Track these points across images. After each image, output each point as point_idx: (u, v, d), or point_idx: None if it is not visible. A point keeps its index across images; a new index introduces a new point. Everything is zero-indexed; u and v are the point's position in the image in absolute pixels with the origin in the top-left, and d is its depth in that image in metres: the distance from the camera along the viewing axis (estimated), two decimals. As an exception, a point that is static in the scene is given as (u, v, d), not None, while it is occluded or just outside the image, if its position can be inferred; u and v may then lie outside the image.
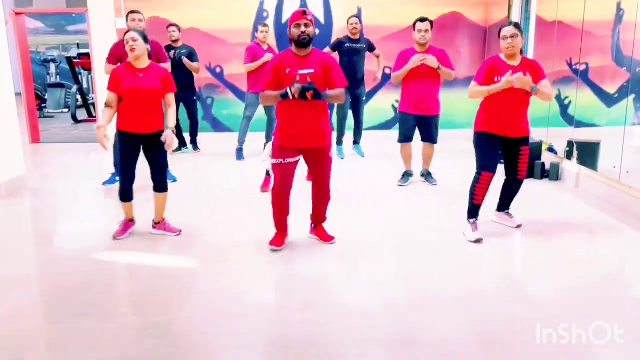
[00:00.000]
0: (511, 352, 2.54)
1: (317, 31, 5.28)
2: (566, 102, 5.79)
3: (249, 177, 5.82)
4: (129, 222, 4.12)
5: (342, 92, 3.57)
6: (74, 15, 13.45)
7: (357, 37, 6.49)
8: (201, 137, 7.67)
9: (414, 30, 5.21)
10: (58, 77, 14.30)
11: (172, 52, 6.77)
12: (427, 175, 5.60)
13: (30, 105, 8.48)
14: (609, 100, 5.05)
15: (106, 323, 2.81)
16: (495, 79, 3.77)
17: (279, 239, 3.79)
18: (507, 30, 3.78)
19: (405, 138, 5.44)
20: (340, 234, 3.97)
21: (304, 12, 3.47)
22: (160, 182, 4.01)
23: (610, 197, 4.80)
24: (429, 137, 5.40)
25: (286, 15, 8.00)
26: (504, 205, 4.22)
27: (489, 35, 8.07)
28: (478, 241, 3.86)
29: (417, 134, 5.46)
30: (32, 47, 12.06)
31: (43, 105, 12.43)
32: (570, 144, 5.54)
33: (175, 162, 6.23)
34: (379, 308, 2.95)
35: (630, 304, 3.01)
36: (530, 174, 5.70)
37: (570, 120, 5.69)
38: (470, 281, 3.28)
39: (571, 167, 5.52)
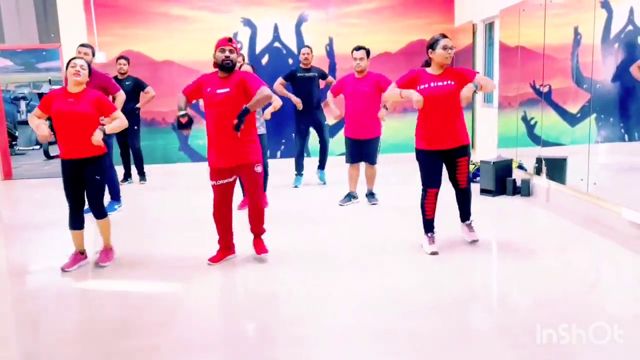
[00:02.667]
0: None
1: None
2: (532, 122, 6.04)
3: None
4: (79, 255, 4.07)
5: (262, 91, 3.70)
6: (44, 52, 13.42)
7: (309, 66, 6.66)
8: (178, 167, 7.69)
9: (352, 57, 5.52)
10: (28, 114, 14.15)
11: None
12: (369, 196, 5.80)
13: (2, 142, 8.39)
14: (571, 119, 5.29)
15: (93, 347, 2.79)
16: (418, 88, 3.92)
17: (218, 255, 3.98)
18: (448, 41, 3.94)
19: (352, 159, 5.69)
20: (310, 249, 4.08)
21: (230, 40, 3.80)
22: (96, 208, 4.00)
23: (580, 209, 5.01)
24: (369, 159, 5.65)
25: (260, 46, 8.20)
26: (462, 216, 4.33)
27: (456, 60, 8.38)
28: (434, 253, 4.00)
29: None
30: (1, 86, 11.96)
31: (14, 142, 12.24)
32: (539, 160, 5.77)
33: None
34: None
35: (612, 306, 3.13)
36: (503, 191, 5.90)
37: (536, 140, 5.92)
38: (450, 291, 3.37)
39: (541, 183, 5.73)
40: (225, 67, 3.72)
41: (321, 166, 6.91)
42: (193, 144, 8.33)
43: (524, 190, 5.85)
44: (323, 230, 4.87)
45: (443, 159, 4.08)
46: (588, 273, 3.73)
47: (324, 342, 2.79)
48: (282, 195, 6.30)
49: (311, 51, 6.67)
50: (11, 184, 8.12)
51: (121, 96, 5.36)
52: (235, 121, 3.56)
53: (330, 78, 6.87)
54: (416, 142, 4.12)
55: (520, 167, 6.17)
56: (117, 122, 3.96)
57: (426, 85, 3.92)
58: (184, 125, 3.75)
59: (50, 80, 13.79)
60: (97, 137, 3.76)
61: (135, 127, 7.16)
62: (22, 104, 14.28)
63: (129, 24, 8.00)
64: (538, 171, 5.78)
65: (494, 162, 5.96)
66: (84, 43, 5.55)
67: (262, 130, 5.42)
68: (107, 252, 4.13)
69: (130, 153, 7.32)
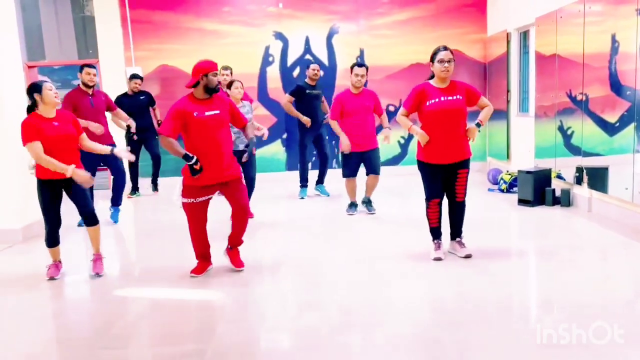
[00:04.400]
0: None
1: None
2: (569, 132, 5.93)
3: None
4: (58, 264, 4.16)
5: (251, 124, 4.20)
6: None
7: (315, 83, 6.67)
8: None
9: (351, 73, 5.60)
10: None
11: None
12: (367, 203, 5.85)
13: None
14: (610, 129, 5.18)
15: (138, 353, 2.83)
16: (427, 103, 3.93)
17: (200, 267, 4.01)
18: (445, 55, 3.92)
19: (349, 173, 5.70)
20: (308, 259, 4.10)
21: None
22: (89, 214, 4.06)
23: (624, 218, 4.88)
24: (373, 169, 5.69)
25: (291, 59, 8.28)
26: (454, 233, 4.23)
27: (489, 70, 8.33)
28: (437, 259, 4.04)
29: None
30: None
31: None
32: (579, 169, 5.65)
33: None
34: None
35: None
36: (542, 201, 5.79)
37: (574, 150, 5.81)
38: (483, 300, 3.31)
39: (582, 192, 5.61)
40: (216, 90, 3.83)
41: (320, 181, 6.96)
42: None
43: (564, 200, 5.73)
44: (342, 238, 4.90)
45: (444, 170, 4.07)
46: (631, 282, 3.62)
47: (367, 350, 2.78)
48: (291, 206, 6.45)
49: (320, 68, 6.79)
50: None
51: (121, 113, 5.98)
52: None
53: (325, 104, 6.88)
54: (419, 153, 4.11)
55: (559, 177, 6.06)
56: (92, 144, 4.16)
57: (436, 100, 3.94)
58: (198, 171, 3.72)
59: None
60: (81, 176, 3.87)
61: (156, 137, 7.29)
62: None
63: (164, 39, 8.19)
64: (579, 181, 5.65)
65: (532, 172, 5.86)
66: (89, 64, 5.82)
67: (241, 147, 5.27)
68: (100, 259, 4.19)
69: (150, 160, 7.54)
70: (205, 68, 3.79)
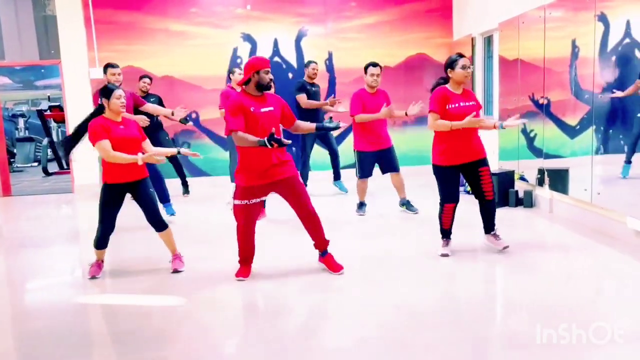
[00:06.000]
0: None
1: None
2: (532, 134, 6.07)
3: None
4: (101, 263, 4.18)
5: (304, 123, 4.13)
6: (43, 70, 13.47)
7: (314, 80, 6.98)
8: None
9: (366, 74, 5.63)
10: (27, 131, 14.16)
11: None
12: (407, 204, 5.83)
13: (1, 159, 8.37)
14: (571, 131, 5.32)
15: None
16: (447, 107, 4.06)
17: (245, 270, 3.93)
18: (467, 61, 4.11)
19: (366, 174, 5.70)
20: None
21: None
22: (157, 222, 4.10)
23: (583, 219, 5.01)
24: (393, 167, 5.71)
25: (259, 62, 8.23)
26: (487, 228, 4.38)
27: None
28: (444, 255, 4.17)
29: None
30: (1, 103, 11.98)
31: (12, 159, 12.22)
32: (541, 171, 5.78)
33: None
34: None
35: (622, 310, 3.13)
36: (505, 202, 5.90)
37: (537, 152, 5.95)
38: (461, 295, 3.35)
39: (544, 194, 5.74)
40: (269, 87, 3.77)
41: (337, 176, 7.08)
42: (193, 158, 8.32)
43: (526, 201, 5.86)
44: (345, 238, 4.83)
45: (463, 173, 4.20)
46: (592, 280, 3.72)
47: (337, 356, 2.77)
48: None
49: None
50: (10, 200, 8.08)
51: (151, 106, 5.68)
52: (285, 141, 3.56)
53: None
54: (435, 157, 4.20)
55: (522, 178, 6.19)
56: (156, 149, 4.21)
57: (456, 105, 4.08)
58: (278, 141, 3.53)
59: (49, 97, 13.83)
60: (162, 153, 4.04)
61: (167, 138, 7.28)
62: (21, 121, 14.31)
63: (129, 39, 8.03)
64: (540, 182, 5.79)
65: (496, 174, 5.96)
66: (111, 63, 5.66)
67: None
68: (179, 257, 4.21)
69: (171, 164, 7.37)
70: (257, 65, 3.73)
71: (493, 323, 3.10)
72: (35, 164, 12.06)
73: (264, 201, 4.15)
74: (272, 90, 4.27)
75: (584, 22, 4.91)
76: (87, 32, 7.94)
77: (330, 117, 4.07)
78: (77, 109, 8.11)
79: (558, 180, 5.54)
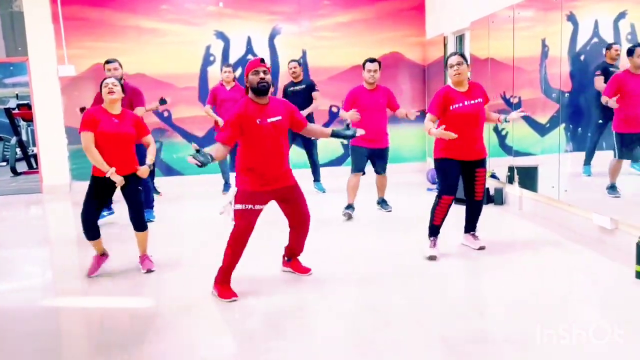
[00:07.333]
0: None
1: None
2: (503, 133, 6.15)
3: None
4: (100, 257, 4.11)
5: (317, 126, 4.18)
6: (11, 67, 13.14)
7: (298, 79, 6.88)
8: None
9: (364, 69, 5.52)
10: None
11: None
12: (382, 203, 5.92)
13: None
14: (541, 129, 5.40)
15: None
16: (451, 107, 4.06)
17: (229, 288, 3.56)
18: (453, 59, 4.12)
19: (357, 168, 5.66)
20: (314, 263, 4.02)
21: (262, 60, 3.49)
22: (139, 221, 4.08)
23: (552, 215, 5.10)
24: (382, 168, 5.73)
25: (233, 59, 8.17)
26: (469, 227, 4.43)
27: (428, 72, 8.52)
28: (432, 258, 4.10)
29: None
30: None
31: (-22, 159, 11.91)
32: (511, 169, 5.86)
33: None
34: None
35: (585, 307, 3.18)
36: (477, 200, 5.97)
37: (508, 150, 6.03)
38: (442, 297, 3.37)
39: (513, 191, 5.82)
40: (262, 89, 3.44)
41: (316, 179, 7.13)
42: (166, 157, 8.22)
43: (497, 198, 5.94)
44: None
45: (462, 170, 4.21)
46: (562, 277, 3.78)
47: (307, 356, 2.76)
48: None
49: (299, 64, 6.91)
50: (-24, 201, 7.86)
51: (140, 111, 5.41)
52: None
53: (315, 93, 6.89)
54: (437, 151, 4.22)
55: (493, 176, 6.26)
56: (152, 150, 4.14)
57: (460, 105, 4.08)
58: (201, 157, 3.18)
59: (17, 95, 13.47)
60: (144, 172, 4.03)
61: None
62: (-11, 119, 13.89)
63: (99, 36, 7.88)
64: (510, 180, 5.87)
65: (467, 172, 6.02)
66: (109, 59, 5.50)
67: None
68: (148, 257, 4.17)
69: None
70: (247, 68, 3.48)
71: (462, 321, 3.12)
72: (4, 163, 11.76)
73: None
74: (273, 91, 4.14)
75: (553, 22, 4.98)
76: (55, 29, 7.77)
77: (348, 124, 3.84)
78: (46, 107, 7.96)
79: (527, 177, 5.62)
